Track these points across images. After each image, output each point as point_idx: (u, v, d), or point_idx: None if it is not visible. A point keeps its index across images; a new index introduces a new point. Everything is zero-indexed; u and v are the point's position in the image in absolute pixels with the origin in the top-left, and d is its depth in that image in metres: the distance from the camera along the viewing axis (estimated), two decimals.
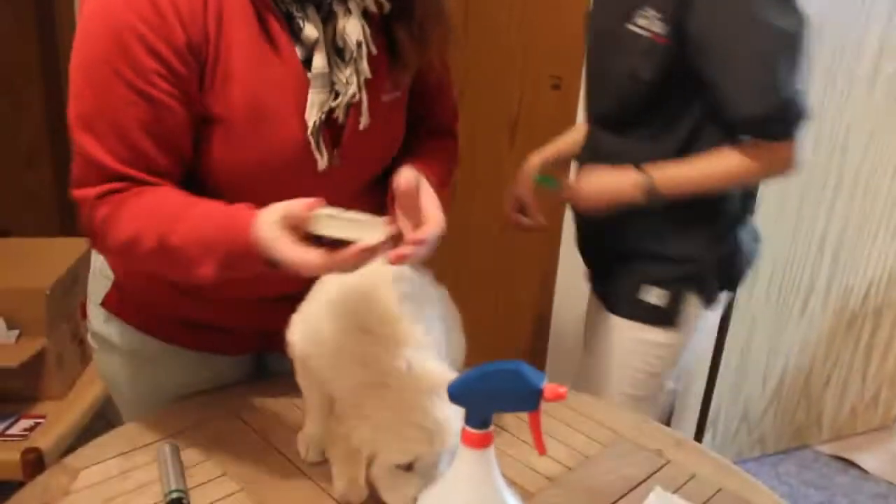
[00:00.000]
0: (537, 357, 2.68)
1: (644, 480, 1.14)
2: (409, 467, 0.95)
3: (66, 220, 3.30)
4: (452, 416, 0.92)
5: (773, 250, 2.31)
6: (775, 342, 2.51)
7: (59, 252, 2.23)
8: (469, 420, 0.81)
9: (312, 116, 1.06)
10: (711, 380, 2.40)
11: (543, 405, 0.81)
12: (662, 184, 1.40)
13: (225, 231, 0.96)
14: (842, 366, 2.69)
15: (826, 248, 2.47)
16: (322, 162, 1.08)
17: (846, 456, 2.70)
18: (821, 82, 2.16)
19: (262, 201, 0.98)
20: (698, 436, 2.47)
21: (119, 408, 1.37)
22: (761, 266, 2.30)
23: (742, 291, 2.29)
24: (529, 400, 0.80)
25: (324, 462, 1.14)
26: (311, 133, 1.06)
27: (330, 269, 0.91)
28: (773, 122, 1.33)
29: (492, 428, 0.82)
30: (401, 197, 0.99)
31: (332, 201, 1.03)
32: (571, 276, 2.50)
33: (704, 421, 2.45)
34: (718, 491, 1.12)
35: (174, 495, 1.03)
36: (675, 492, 1.11)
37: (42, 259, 2.19)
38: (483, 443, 0.82)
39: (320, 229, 0.93)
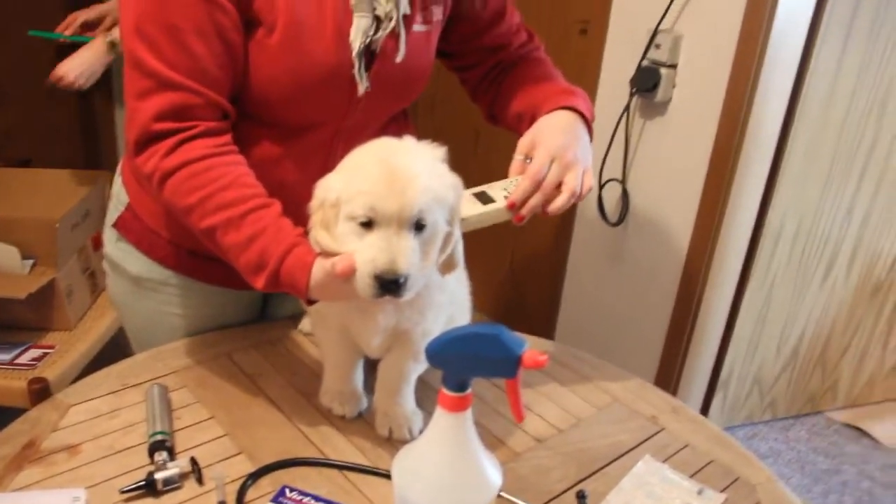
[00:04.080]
0: (552, 311, 2.66)
1: (635, 447, 1.12)
2: (368, 224, 0.91)
3: (89, 153, 3.30)
4: (413, 169, 0.91)
5: (798, 211, 2.24)
6: (794, 306, 2.46)
7: (74, 184, 2.23)
8: (446, 382, 0.79)
9: (357, 40, 1.07)
10: (725, 341, 2.36)
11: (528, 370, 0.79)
12: None
13: (281, 267, 0.98)
14: (862, 334, 2.63)
15: (855, 212, 2.37)
16: (362, 86, 1.10)
17: (859, 425, 2.66)
18: (863, 37, 2.06)
19: (295, 121, 1.11)
20: (708, 397, 2.44)
21: (127, 334, 1.39)
22: (785, 227, 2.24)
23: (762, 253, 2.24)
24: (508, 367, 0.77)
25: (318, 414, 1.13)
26: (356, 56, 1.08)
27: None
28: None
29: (469, 391, 0.80)
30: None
31: (360, 127, 1.17)
32: (588, 231, 2.47)
33: (715, 382, 2.42)
34: (710, 462, 1.10)
35: (158, 437, 1.03)
36: (665, 461, 1.09)
37: (57, 190, 2.19)
38: (460, 406, 0.80)
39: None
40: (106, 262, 1.34)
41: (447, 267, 0.99)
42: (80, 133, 3.25)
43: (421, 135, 1.33)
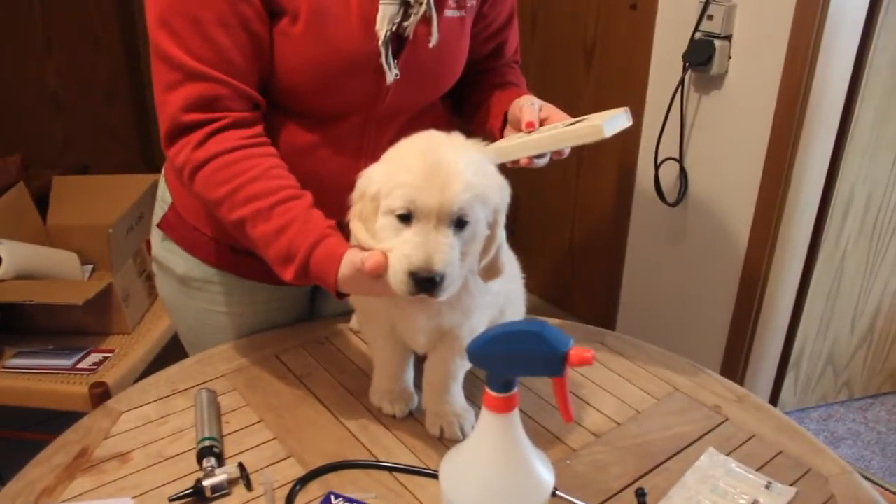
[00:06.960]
0: (612, 293, 2.60)
1: (698, 439, 1.07)
2: (406, 218, 0.87)
3: (145, 156, 3.36)
4: (457, 164, 0.87)
5: (868, 180, 2.14)
6: (868, 280, 2.35)
7: (128, 188, 2.24)
8: (490, 383, 0.75)
9: (383, 28, 1.05)
10: (794, 319, 2.27)
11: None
12: None
13: (313, 259, 0.96)
14: None
15: None
16: (390, 75, 1.08)
17: None
18: None
19: (324, 110, 1.10)
20: (778, 379, 2.35)
21: (179, 335, 1.39)
22: (855, 198, 2.13)
23: (831, 225, 2.14)
24: (553, 365, 0.73)
25: (368, 414, 1.11)
26: (382, 44, 1.05)
27: None
28: None
29: (516, 391, 0.76)
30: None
31: (392, 116, 1.14)
32: (646, 212, 2.40)
33: (786, 363, 2.33)
34: (778, 454, 1.04)
35: (206, 443, 1.01)
36: (730, 453, 1.03)
37: (112, 196, 2.21)
38: (505, 407, 0.76)
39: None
40: (154, 263, 1.34)
41: (489, 273, 0.95)
42: (136, 136, 3.31)
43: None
